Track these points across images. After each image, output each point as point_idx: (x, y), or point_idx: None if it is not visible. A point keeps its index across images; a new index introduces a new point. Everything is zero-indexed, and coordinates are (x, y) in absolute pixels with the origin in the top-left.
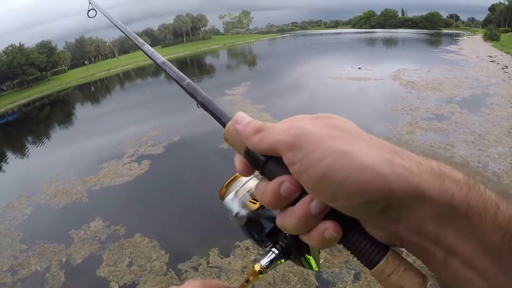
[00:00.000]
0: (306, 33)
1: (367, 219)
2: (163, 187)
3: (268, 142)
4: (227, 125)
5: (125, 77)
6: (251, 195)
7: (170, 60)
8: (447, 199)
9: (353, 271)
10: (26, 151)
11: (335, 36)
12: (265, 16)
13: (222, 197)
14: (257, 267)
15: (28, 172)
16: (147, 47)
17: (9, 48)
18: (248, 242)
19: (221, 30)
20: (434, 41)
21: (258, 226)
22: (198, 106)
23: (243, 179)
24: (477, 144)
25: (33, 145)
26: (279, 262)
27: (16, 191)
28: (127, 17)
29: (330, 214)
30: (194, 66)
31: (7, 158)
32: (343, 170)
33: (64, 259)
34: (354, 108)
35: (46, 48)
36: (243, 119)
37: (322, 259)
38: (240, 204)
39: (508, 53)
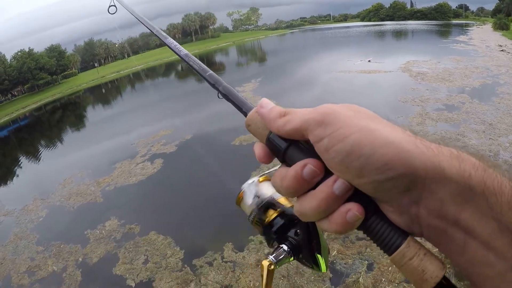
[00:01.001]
0: (315, 28)
1: (390, 201)
2: (176, 185)
3: (295, 123)
4: (250, 112)
5: (136, 78)
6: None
7: (181, 60)
8: (465, 179)
9: (366, 262)
10: (39, 154)
11: (344, 30)
12: (273, 12)
13: (238, 202)
14: (265, 263)
15: (42, 175)
16: (170, 40)
17: (19, 53)
18: (262, 236)
19: (230, 28)
20: (444, 32)
21: (269, 225)
22: (219, 97)
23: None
24: (488, 133)
25: (46, 149)
26: (287, 260)
27: (31, 194)
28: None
29: (351, 197)
30: (204, 64)
31: (21, 162)
32: (370, 144)
33: (80, 259)
34: (364, 101)
35: (55, 52)
36: (268, 104)
37: (336, 251)
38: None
39: None
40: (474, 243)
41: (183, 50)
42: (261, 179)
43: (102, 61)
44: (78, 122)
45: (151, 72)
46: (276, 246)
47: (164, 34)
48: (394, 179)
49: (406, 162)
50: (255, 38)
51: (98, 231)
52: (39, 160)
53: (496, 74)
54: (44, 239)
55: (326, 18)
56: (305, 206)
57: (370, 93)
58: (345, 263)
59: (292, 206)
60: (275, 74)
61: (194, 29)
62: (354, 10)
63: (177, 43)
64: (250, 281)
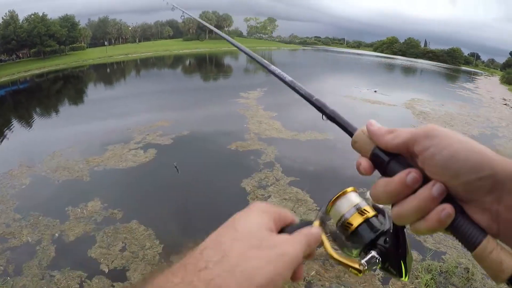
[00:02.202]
0: (327, 49)
1: (476, 200)
2: (166, 179)
3: (404, 136)
4: (357, 131)
5: (142, 64)
6: (357, 209)
7: (189, 54)
8: None
9: (342, 287)
10: (33, 121)
11: (356, 56)
12: (290, 26)
13: (329, 211)
14: (355, 264)
15: (32, 143)
16: (273, 67)
17: (32, 16)
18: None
19: (244, 33)
20: (452, 76)
21: (361, 235)
22: (323, 119)
23: (349, 195)
24: None
25: (41, 117)
26: (375, 266)
27: (17, 160)
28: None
29: (444, 200)
30: (213, 64)
31: (13, 125)
32: (466, 151)
33: (57, 235)
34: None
35: (68, 22)
36: (376, 124)
37: (314, 271)
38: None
39: None
40: None
41: (287, 76)
42: (349, 189)
43: (113, 41)
44: (78, 96)
45: (159, 61)
46: (367, 253)
47: (266, 61)
48: (482, 179)
49: (491, 165)
50: (267, 48)
51: (79, 210)
52: (31, 127)
53: (496, 126)
54: (23, 207)
55: (340, 42)
56: (406, 208)
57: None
58: (321, 285)
59: (376, 215)
60: (281, 86)
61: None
62: (369, 39)
63: (280, 70)
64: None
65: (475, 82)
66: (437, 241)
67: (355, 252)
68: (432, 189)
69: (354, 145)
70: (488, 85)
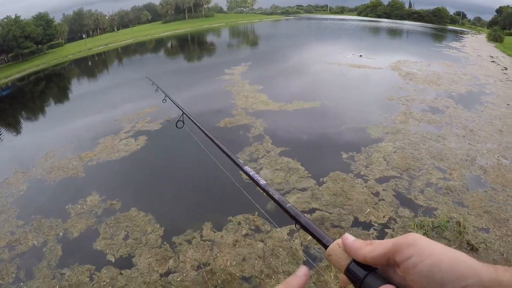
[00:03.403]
0: (310, 17)
1: None
2: (159, 163)
3: (383, 247)
4: (332, 243)
5: (124, 52)
6: None
7: (170, 36)
8: None
9: None
10: (21, 126)
11: (340, 22)
12: None
13: None
14: None
15: (24, 148)
16: (248, 168)
17: (4, 20)
18: (241, 217)
19: (225, 8)
20: (438, 36)
21: None
22: (296, 228)
23: None
24: (467, 138)
25: (28, 121)
26: None
27: (11, 167)
28: None
29: None
30: (195, 43)
31: (1, 134)
32: (450, 260)
33: (61, 234)
34: (352, 95)
35: (43, 20)
36: (351, 237)
37: (310, 236)
38: None
39: (510, 55)
40: None
41: (261, 180)
42: None
43: (91, 32)
44: (62, 94)
45: (140, 47)
46: None
47: (241, 161)
48: (468, 287)
49: (476, 273)
50: (249, 21)
51: (79, 206)
52: (20, 133)
53: (483, 84)
54: (24, 213)
55: (323, 9)
56: None
57: (358, 88)
58: (319, 248)
59: None
60: (265, 59)
61: (187, 6)
62: (352, 3)
63: (255, 173)
64: (227, 260)
65: (461, 41)
66: (427, 197)
67: None
68: None
69: (328, 257)
70: (475, 43)
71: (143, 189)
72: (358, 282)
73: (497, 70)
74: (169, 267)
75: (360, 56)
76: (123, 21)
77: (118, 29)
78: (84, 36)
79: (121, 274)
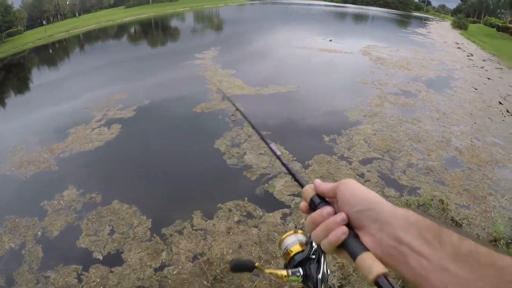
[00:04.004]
0: (276, 1)
1: (367, 227)
2: (137, 151)
3: (332, 185)
4: (306, 186)
5: (86, 39)
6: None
7: (134, 21)
8: (409, 214)
9: None
10: None
11: (307, 7)
12: None
13: (279, 245)
14: (284, 272)
15: None
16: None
17: None
18: (231, 203)
19: None
20: (404, 22)
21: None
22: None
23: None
24: (441, 121)
25: None
26: (296, 279)
27: None
28: None
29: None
30: (159, 29)
31: None
32: (363, 193)
33: (39, 233)
34: (326, 79)
35: (1, 6)
36: (320, 181)
37: (304, 219)
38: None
39: (474, 42)
40: (413, 254)
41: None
42: (290, 233)
43: (51, 19)
44: (23, 85)
45: (103, 33)
46: (294, 268)
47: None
48: (369, 210)
49: (375, 201)
50: (214, 5)
51: (56, 202)
52: None
53: (451, 69)
54: None
55: None
56: (319, 229)
57: (331, 72)
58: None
59: (302, 250)
60: (234, 43)
61: None
62: None
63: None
64: (222, 248)
65: (427, 27)
66: (410, 177)
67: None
68: (337, 217)
69: (303, 193)
70: (440, 29)
71: (123, 180)
72: (314, 206)
73: (463, 56)
74: (163, 261)
75: (330, 40)
76: (85, 6)
77: (79, 15)
78: (44, 22)
79: (111, 272)
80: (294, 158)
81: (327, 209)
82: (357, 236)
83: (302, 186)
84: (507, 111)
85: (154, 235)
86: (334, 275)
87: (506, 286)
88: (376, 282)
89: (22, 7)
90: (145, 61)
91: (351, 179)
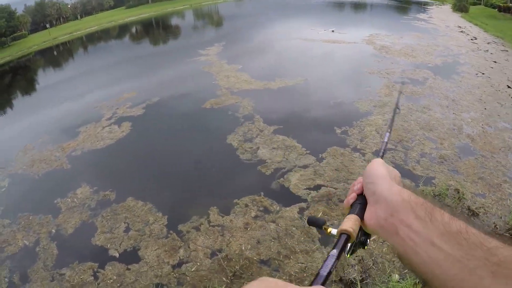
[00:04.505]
0: None
1: (369, 197)
2: (149, 148)
3: (358, 184)
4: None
5: (89, 40)
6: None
7: (134, 21)
8: (408, 194)
9: None
10: None
11: None
12: None
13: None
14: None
15: None
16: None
17: None
18: (247, 199)
19: None
20: (403, 8)
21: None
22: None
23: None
24: (451, 108)
25: None
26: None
27: None
28: None
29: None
30: (160, 27)
31: None
32: (372, 170)
33: (53, 231)
34: (333, 70)
35: (5, 12)
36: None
37: (321, 212)
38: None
39: (476, 25)
40: (403, 227)
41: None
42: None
43: (54, 22)
44: (30, 86)
45: (105, 34)
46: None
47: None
48: (370, 184)
49: (378, 176)
50: (214, 2)
51: (69, 200)
52: None
53: (456, 54)
54: (9, 211)
55: None
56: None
57: (337, 63)
58: (331, 224)
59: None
60: (238, 38)
61: None
62: None
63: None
64: (241, 244)
65: (428, 12)
66: (424, 167)
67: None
68: (355, 186)
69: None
70: (441, 14)
71: (136, 177)
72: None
73: (467, 40)
74: (181, 257)
75: (332, 31)
76: (86, 8)
77: (81, 17)
78: (47, 26)
79: (128, 269)
80: (308, 152)
81: (358, 181)
82: (364, 204)
83: None
84: None
85: (171, 231)
86: (354, 269)
87: (492, 267)
88: (339, 235)
89: (25, 12)
90: (149, 60)
91: (380, 159)
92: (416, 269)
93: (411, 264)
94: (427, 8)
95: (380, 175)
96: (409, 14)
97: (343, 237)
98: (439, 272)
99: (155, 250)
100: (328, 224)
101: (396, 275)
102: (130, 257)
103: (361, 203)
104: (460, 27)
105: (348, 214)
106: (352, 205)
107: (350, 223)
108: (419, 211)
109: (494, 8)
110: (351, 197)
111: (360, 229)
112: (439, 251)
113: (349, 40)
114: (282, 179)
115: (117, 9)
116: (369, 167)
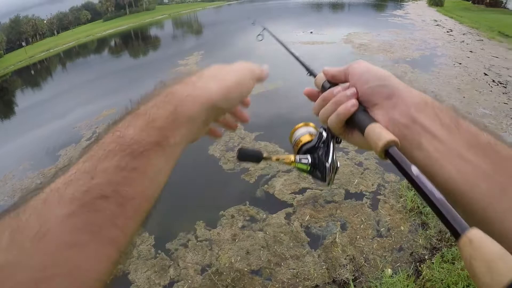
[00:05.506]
0: (253, 0)
1: (379, 104)
2: None
3: (341, 67)
4: (318, 73)
5: (66, 56)
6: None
7: (113, 34)
8: (423, 97)
9: (339, 223)
10: None
11: (283, 2)
12: None
13: (290, 138)
14: (291, 157)
15: None
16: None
17: None
18: (233, 209)
19: (165, 0)
20: (380, 5)
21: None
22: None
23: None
24: None
25: None
26: (304, 167)
27: None
28: None
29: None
30: (139, 39)
31: None
32: (377, 70)
33: None
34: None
35: None
36: (331, 68)
37: (308, 216)
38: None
39: (451, 17)
40: (427, 135)
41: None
42: (300, 124)
43: (30, 39)
44: (7, 109)
45: (83, 49)
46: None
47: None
48: (383, 87)
49: (391, 79)
50: (192, 10)
51: None
52: None
53: (433, 47)
54: None
55: None
56: (329, 105)
57: (316, 64)
58: (319, 226)
59: (311, 140)
60: (216, 46)
61: (128, 1)
62: None
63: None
64: (230, 256)
65: (404, 9)
66: None
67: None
68: (348, 91)
69: (315, 82)
70: (417, 9)
71: None
72: (325, 89)
73: (443, 33)
74: (171, 277)
75: (311, 32)
76: (63, 23)
77: (58, 33)
78: (23, 44)
79: None
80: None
81: (337, 88)
82: (366, 112)
83: (314, 76)
84: (493, 81)
85: (159, 251)
86: (346, 269)
87: None
88: (386, 152)
89: None
90: (129, 73)
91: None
92: (441, 186)
93: (435, 180)
94: (403, 4)
95: (389, 75)
96: (386, 11)
97: (395, 150)
98: (466, 188)
99: (145, 272)
100: (267, 154)
101: (389, 270)
102: (121, 282)
103: (364, 111)
104: (436, 20)
105: (363, 126)
106: (355, 116)
107: (387, 131)
108: (444, 117)
109: (468, 0)
110: (351, 104)
111: (329, 131)
112: (467, 164)
113: (328, 41)
114: (266, 186)
115: (95, 22)
116: (363, 69)
